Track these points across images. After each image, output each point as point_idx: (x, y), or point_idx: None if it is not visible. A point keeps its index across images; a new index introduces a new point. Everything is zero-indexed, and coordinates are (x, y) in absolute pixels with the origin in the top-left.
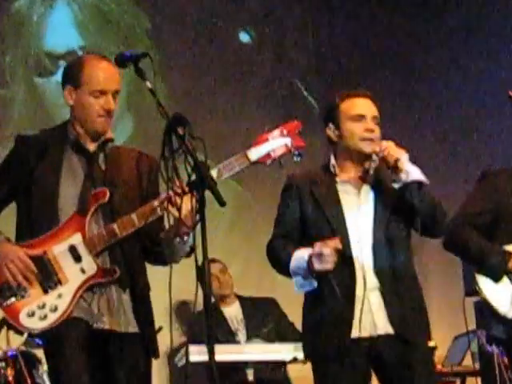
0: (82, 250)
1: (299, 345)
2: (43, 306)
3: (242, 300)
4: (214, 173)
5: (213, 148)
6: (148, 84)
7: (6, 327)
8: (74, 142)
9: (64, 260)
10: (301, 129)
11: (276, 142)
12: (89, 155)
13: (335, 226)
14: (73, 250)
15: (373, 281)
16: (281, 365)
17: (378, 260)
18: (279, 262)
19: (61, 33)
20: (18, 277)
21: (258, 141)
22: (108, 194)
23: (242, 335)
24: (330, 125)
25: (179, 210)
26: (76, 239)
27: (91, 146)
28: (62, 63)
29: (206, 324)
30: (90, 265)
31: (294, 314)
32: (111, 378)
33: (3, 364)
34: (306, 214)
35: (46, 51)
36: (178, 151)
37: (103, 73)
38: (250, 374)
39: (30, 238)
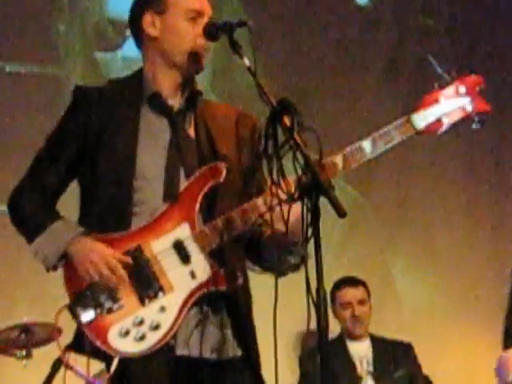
0: (192, 247)
1: None
2: (140, 323)
3: (374, 339)
4: (366, 145)
5: (322, 140)
6: (246, 61)
7: (63, 369)
8: (153, 97)
9: (167, 260)
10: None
11: (450, 104)
12: (173, 115)
13: None
14: (179, 246)
15: None
16: None
17: None
18: None
19: None
20: (100, 284)
21: (426, 102)
22: (225, 171)
23: (367, 383)
24: None
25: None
26: (183, 232)
27: (176, 103)
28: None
29: (321, 370)
30: (202, 267)
31: (431, 365)
32: None
33: None
34: None
35: (110, 19)
36: (284, 147)
37: None
38: None
39: (97, 230)
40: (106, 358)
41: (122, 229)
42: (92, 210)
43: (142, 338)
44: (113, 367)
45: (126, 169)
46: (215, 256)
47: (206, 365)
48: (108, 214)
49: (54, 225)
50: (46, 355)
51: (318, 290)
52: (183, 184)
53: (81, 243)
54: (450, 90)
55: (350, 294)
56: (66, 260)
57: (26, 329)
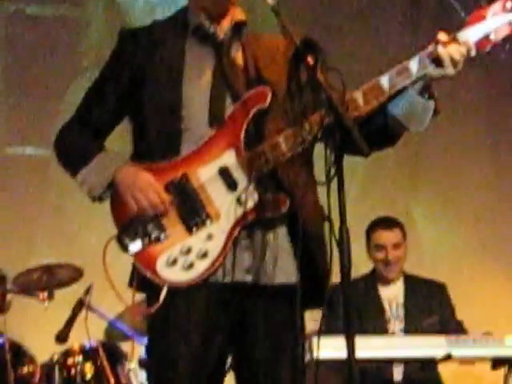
0: (238, 174)
1: (453, 339)
2: (188, 251)
3: (408, 278)
4: (413, 65)
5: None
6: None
7: (85, 311)
8: (198, 29)
9: (214, 188)
10: None
11: (497, 20)
12: (217, 44)
13: None
14: (225, 173)
15: None
16: (431, 363)
17: None
18: None
19: None
20: (148, 214)
21: (473, 19)
22: (270, 95)
23: (395, 326)
24: None
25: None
26: (228, 159)
27: (220, 33)
28: None
29: (343, 310)
30: (248, 194)
31: (464, 308)
32: (253, 345)
33: (80, 358)
34: None
35: None
36: (307, 86)
37: None
38: (395, 373)
39: (149, 160)
40: (152, 290)
41: (175, 142)
42: (143, 145)
43: (190, 266)
44: (161, 297)
45: (171, 99)
46: (263, 182)
47: (246, 289)
48: (158, 145)
49: (100, 155)
50: (67, 296)
51: (340, 229)
52: (230, 109)
53: (127, 171)
54: (497, 6)
55: (385, 237)
56: (112, 190)
57: (47, 270)
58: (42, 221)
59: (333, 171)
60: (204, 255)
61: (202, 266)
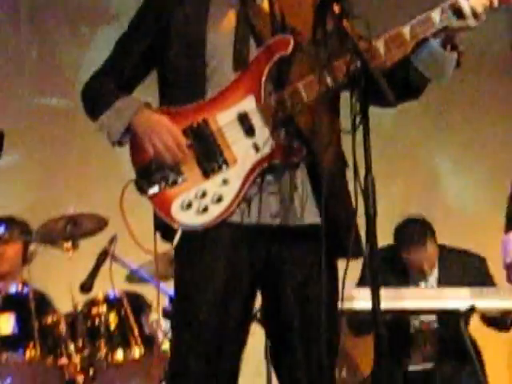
0: (256, 120)
1: (477, 290)
2: (203, 195)
3: (443, 251)
4: (435, 15)
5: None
6: None
7: (109, 261)
8: None
9: (232, 133)
10: None
11: None
12: None
13: None
14: (243, 119)
15: None
16: (454, 315)
17: None
18: None
19: None
20: (165, 157)
21: None
22: (292, 43)
23: None
24: None
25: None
26: (248, 104)
27: None
28: None
29: (368, 260)
30: (265, 140)
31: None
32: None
33: (104, 308)
34: None
35: None
36: (332, 35)
37: None
38: (412, 324)
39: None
40: (166, 232)
41: (199, 87)
42: (170, 94)
43: (205, 210)
44: (175, 240)
45: (196, 44)
46: (282, 128)
47: (273, 233)
48: (184, 92)
49: (120, 101)
50: (92, 247)
51: (366, 178)
52: (254, 53)
53: (143, 115)
54: None
55: (419, 257)
56: (131, 134)
57: (72, 220)
58: (67, 171)
59: (358, 120)
60: (219, 200)
61: (216, 210)
